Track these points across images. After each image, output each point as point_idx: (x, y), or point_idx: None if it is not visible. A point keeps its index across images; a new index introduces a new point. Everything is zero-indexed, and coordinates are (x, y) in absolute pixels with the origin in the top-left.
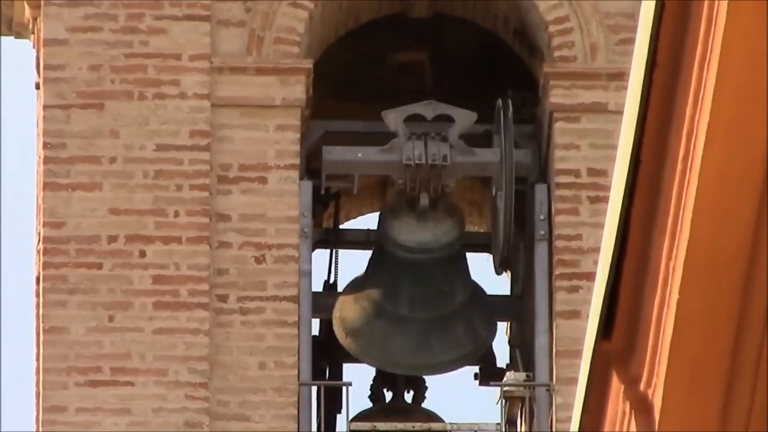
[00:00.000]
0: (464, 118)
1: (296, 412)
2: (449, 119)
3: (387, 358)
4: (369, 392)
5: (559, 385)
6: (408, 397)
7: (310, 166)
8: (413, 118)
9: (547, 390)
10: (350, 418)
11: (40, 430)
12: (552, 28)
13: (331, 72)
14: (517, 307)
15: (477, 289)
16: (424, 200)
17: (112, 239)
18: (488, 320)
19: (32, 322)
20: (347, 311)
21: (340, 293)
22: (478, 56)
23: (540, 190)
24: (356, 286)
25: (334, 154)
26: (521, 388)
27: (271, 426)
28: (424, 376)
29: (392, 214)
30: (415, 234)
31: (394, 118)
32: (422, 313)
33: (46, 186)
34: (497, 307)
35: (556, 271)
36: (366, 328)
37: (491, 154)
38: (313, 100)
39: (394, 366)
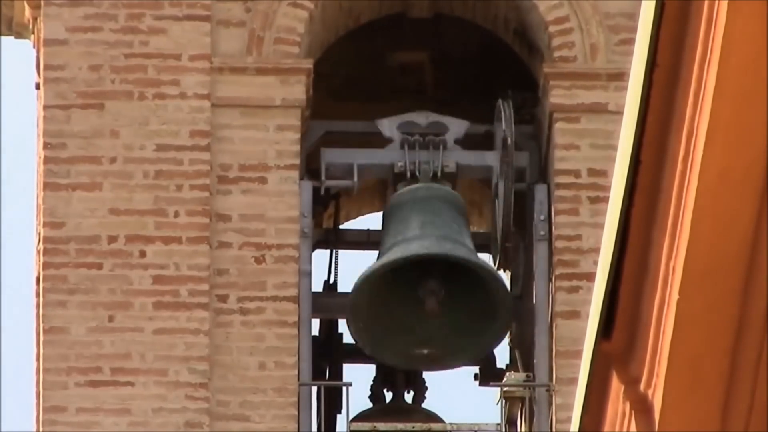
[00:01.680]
0: (458, 126)
1: (296, 413)
2: (443, 127)
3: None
4: (369, 392)
5: (559, 386)
6: (408, 397)
7: (310, 167)
8: (408, 125)
9: (547, 390)
10: (350, 418)
11: (40, 430)
12: (552, 29)
13: (331, 72)
14: (517, 307)
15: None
16: (425, 170)
17: (112, 239)
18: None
19: (32, 322)
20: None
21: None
22: (478, 56)
23: (540, 191)
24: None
25: (333, 156)
26: (521, 389)
27: (271, 426)
28: (424, 375)
29: (395, 190)
30: (420, 184)
31: (387, 125)
32: (434, 231)
33: (46, 186)
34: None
35: (556, 272)
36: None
37: (490, 157)
38: (313, 100)
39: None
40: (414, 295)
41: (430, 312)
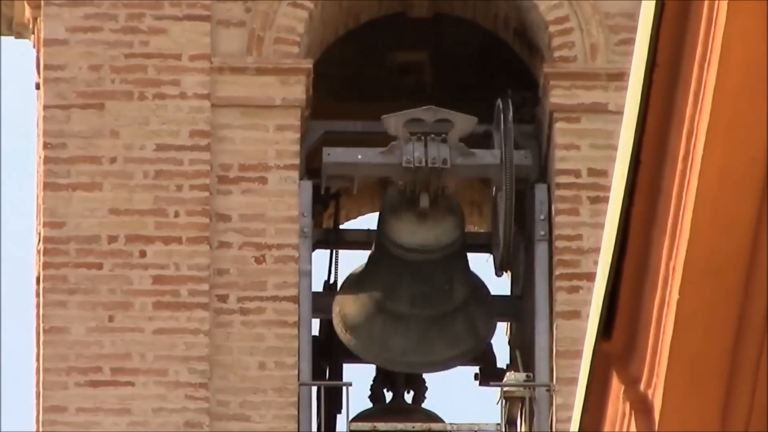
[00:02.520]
0: (464, 123)
1: (296, 413)
2: (449, 123)
3: (387, 355)
4: (369, 392)
5: (559, 386)
6: (408, 397)
7: (310, 166)
8: (413, 122)
9: (547, 390)
10: (350, 418)
11: (40, 430)
12: (552, 28)
13: (331, 72)
14: (517, 307)
15: (477, 283)
16: (424, 202)
17: (113, 239)
18: (488, 315)
19: (32, 322)
20: (347, 308)
21: (339, 290)
22: (478, 56)
23: (540, 190)
24: (354, 281)
25: (333, 156)
26: (521, 389)
27: (271, 426)
28: (424, 376)
29: (392, 213)
30: (415, 235)
31: (394, 123)
32: (422, 311)
33: (46, 186)
34: (497, 307)
35: (556, 272)
36: (366, 325)
37: (491, 156)
38: (313, 100)
39: (393, 364)
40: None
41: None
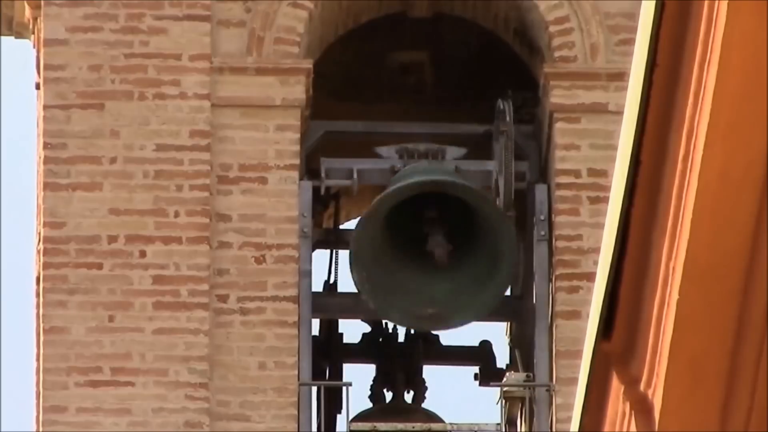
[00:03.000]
0: (454, 153)
1: (296, 412)
2: (440, 151)
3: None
4: (369, 392)
5: (559, 386)
6: (408, 397)
7: (310, 166)
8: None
9: (547, 390)
10: (350, 418)
11: (40, 430)
12: (552, 29)
13: (331, 72)
14: (517, 307)
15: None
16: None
17: (113, 239)
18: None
19: (32, 322)
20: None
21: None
22: (478, 56)
23: (540, 191)
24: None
25: (331, 165)
26: (521, 389)
27: (271, 426)
28: (424, 375)
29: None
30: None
31: (386, 152)
32: (436, 166)
33: (46, 186)
34: (497, 307)
35: (556, 272)
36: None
37: (489, 174)
38: (313, 100)
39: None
40: (418, 250)
41: (440, 264)
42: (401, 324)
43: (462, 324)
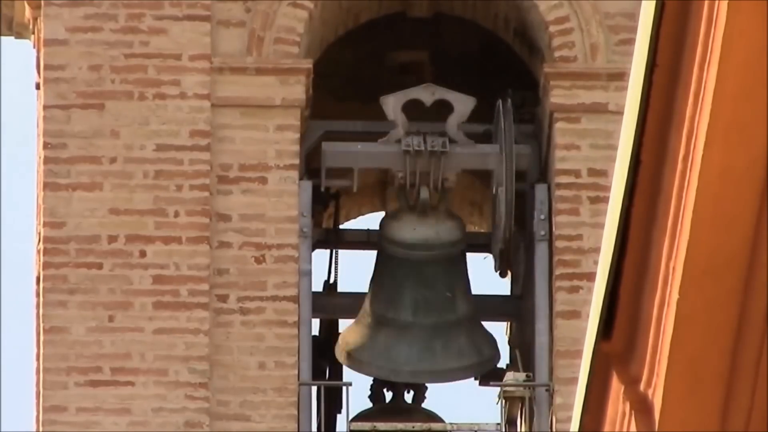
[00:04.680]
0: (463, 104)
1: (296, 412)
2: (448, 105)
3: (391, 366)
4: (369, 392)
5: (559, 385)
6: (408, 397)
7: (310, 166)
8: (412, 110)
9: (547, 390)
10: (350, 418)
11: (40, 430)
12: (552, 29)
13: (331, 72)
14: (517, 307)
15: (477, 308)
16: (424, 193)
17: (113, 239)
18: (491, 341)
19: (32, 322)
20: (350, 338)
21: (341, 333)
22: (478, 56)
23: (540, 190)
24: (355, 322)
25: (333, 147)
26: (521, 388)
27: (271, 426)
28: (423, 382)
29: (393, 217)
30: (416, 231)
31: (392, 104)
32: (426, 319)
33: (46, 186)
34: (497, 307)
35: (557, 271)
36: (369, 343)
37: (491, 147)
38: (313, 100)
39: (398, 374)
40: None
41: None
42: (388, 378)
43: (441, 381)
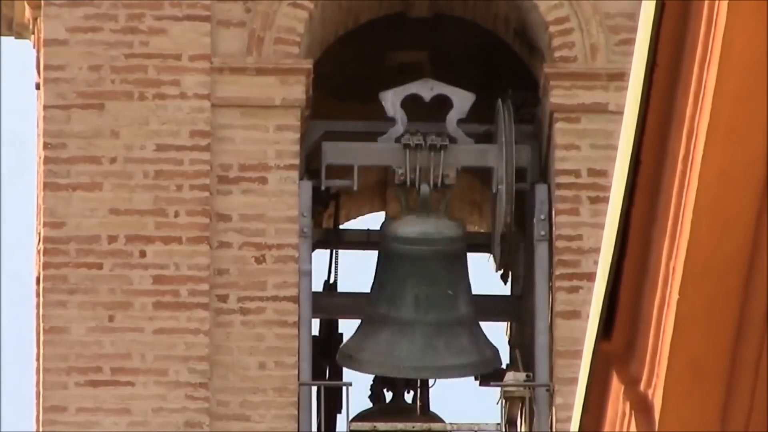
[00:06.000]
0: (462, 99)
1: (296, 412)
2: (447, 102)
3: (393, 363)
4: (369, 392)
5: (559, 385)
6: (408, 397)
7: (310, 166)
8: (411, 109)
9: (547, 390)
10: (350, 418)
11: (40, 430)
12: (552, 29)
13: (331, 72)
14: (517, 307)
15: (476, 311)
16: (424, 190)
17: (113, 239)
18: (492, 346)
19: (32, 322)
20: (352, 343)
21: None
22: (478, 56)
23: (540, 190)
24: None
25: (332, 145)
26: (521, 389)
27: (271, 426)
28: (425, 377)
29: (394, 217)
30: (416, 226)
31: (391, 99)
32: (427, 316)
33: (46, 186)
34: (497, 307)
35: (557, 272)
36: (370, 342)
37: (491, 145)
38: (313, 100)
39: (400, 371)
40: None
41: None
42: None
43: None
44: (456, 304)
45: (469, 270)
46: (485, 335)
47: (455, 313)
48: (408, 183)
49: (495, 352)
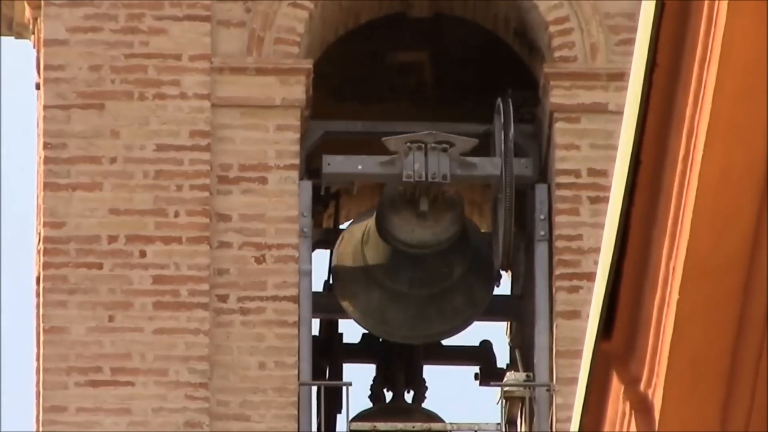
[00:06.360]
0: (464, 144)
1: (296, 412)
2: (449, 144)
3: (384, 327)
4: (369, 392)
5: (559, 385)
6: (408, 397)
7: (310, 166)
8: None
9: (547, 390)
10: (350, 418)
11: (40, 430)
12: (552, 29)
13: (331, 72)
14: (517, 307)
15: (476, 252)
16: (424, 205)
17: (113, 239)
18: (486, 282)
19: (32, 322)
20: (346, 259)
21: (345, 229)
22: (478, 56)
23: (540, 190)
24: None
25: (333, 166)
26: (521, 388)
27: (271, 426)
28: (424, 375)
29: (391, 207)
30: (414, 233)
31: (393, 145)
32: (421, 291)
33: (46, 186)
34: (497, 307)
35: (557, 271)
36: (364, 295)
37: (491, 166)
38: (313, 100)
39: (390, 335)
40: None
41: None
42: (378, 335)
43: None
44: (451, 275)
45: (468, 238)
46: (484, 265)
47: (450, 281)
48: (407, 195)
49: (491, 279)
